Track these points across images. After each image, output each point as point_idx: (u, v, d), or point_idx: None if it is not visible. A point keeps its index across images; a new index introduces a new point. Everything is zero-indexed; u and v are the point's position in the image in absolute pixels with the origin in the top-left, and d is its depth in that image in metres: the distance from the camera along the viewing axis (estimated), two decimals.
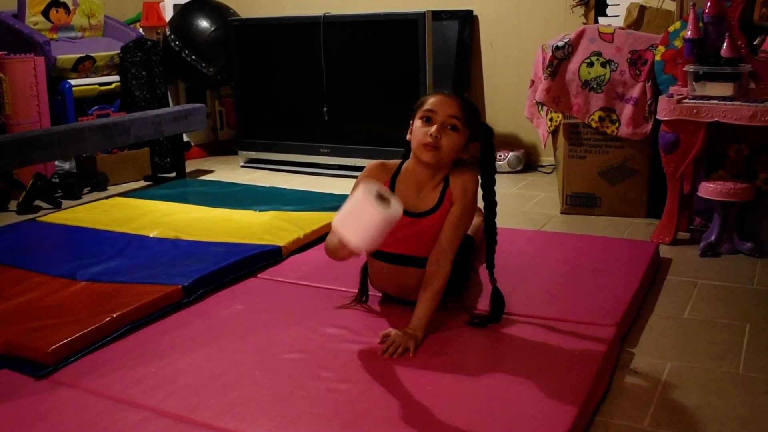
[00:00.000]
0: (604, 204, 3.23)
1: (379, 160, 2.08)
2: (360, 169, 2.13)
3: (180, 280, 2.27)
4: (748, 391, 1.73)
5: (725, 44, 2.70)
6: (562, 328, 1.95)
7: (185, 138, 4.53)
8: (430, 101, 1.97)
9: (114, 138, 3.68)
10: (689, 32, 2.78)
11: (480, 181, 2.02)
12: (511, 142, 4.37)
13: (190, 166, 4.53)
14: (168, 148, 4.35)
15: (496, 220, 2.07)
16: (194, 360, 1.86)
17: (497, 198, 2.05)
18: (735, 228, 2.69)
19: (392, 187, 2.02)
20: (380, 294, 2.18)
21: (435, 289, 1.93)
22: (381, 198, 1.72)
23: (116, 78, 4.41)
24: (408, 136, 2.02)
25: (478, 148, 2.01)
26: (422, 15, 3.84)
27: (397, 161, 2.07)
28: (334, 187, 3.73)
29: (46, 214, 3.32)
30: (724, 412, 1.64)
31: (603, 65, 3.13)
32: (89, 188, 3.99)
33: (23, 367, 1.84)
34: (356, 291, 2.18)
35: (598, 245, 2.65)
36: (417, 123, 1.97)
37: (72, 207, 3.48)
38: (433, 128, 1.93)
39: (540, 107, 3.54)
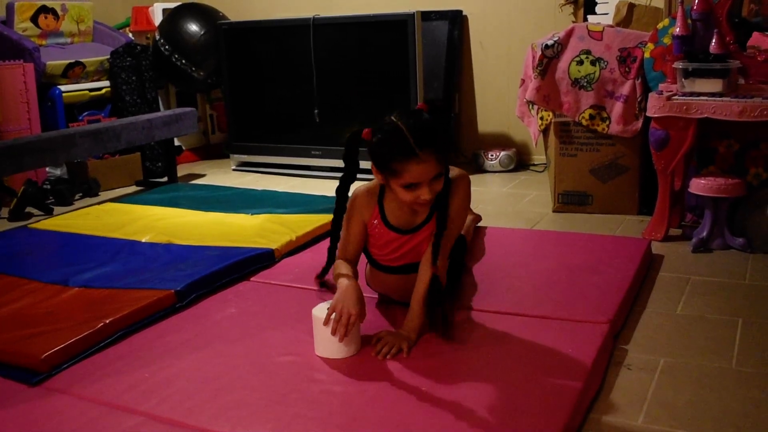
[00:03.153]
0: (596, 201, 3.24)
1: (362, 186, 2.01)
2: None
3: (173, 284, 2.27)
4: (741, 386, 1.74)
5: (714, 41, 2.71)
6: (555, 326, 1.96)
7: (176, 142, 4.53)
8: (410, 173, 1.79)
9: (105, 143, 3.67)
10: (678, 29, 2.79)
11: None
12: (502, 141, 4.38)
13: (182, 170, 4.53)
14: (159, 152, 4.34)
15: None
16: (188, 364, 1.85)
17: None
18: (726, 224, 2.70)
19: (381, 211, 1.98)
20: (377, 295, 2.18)
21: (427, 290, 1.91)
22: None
23: (106, 83, 4.40)
24: (377, 180, 1.91)
25: None
26: (411, 16, 3.85)
27: (377, 183, 1.98)
28: (326, 189, 3.73)
29: (37, 221, 3.31)
30: (718, 407, 1.65)
31: (593, 63, 3.14)
32: (81, 194, 3.98)
33: (16, 374, 1.84)
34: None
35: (590, 243, 2.66)
36: (399, 188, 1.84)
37: (64, 213, 3.47)
38: (425, 194, 1.81)
39: (531, 106, 3.55)
